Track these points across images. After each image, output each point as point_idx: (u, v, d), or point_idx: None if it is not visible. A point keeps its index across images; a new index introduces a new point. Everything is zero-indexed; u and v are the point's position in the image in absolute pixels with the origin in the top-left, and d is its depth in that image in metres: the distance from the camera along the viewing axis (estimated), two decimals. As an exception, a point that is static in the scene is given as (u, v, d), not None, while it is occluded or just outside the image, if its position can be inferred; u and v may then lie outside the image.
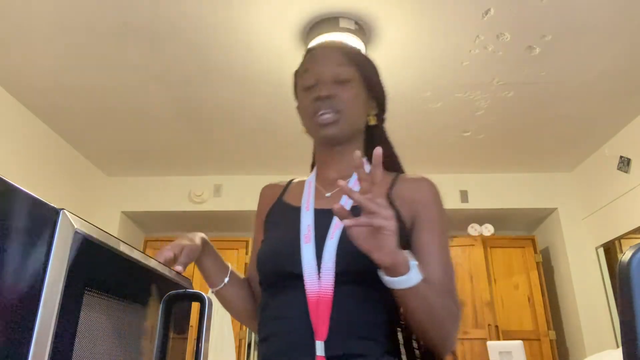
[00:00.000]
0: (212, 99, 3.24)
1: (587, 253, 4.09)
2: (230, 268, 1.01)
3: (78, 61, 2.85)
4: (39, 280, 0.43)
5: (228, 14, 2.47)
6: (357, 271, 0.82)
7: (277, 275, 0.88)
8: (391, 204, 0.90)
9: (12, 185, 0.42)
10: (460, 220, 4.60)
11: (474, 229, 4.40)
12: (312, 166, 1.09)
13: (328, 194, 0.97)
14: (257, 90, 3.11)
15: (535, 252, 4.22)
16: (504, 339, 3.87)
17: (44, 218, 0.45)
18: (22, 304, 0.42)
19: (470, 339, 3.95)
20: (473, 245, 4.24)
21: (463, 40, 2.67)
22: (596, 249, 4.01)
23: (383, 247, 0.70)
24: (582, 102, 3.26)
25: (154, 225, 4.83)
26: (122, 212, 4.45)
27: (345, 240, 0.83)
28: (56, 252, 0.45)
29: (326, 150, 1.01)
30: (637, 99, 3.23)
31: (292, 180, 1.08)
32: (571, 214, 4.26)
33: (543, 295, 4.07)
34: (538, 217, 4.59)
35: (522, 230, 4.94)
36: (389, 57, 2.82)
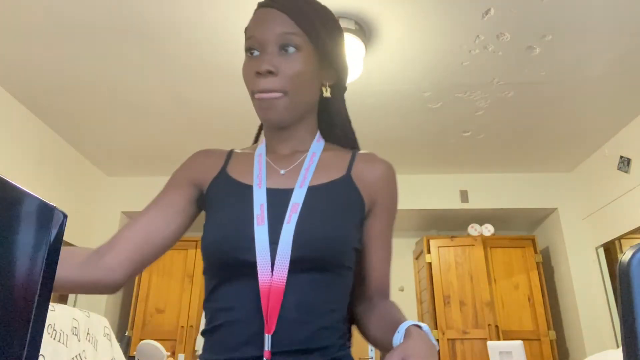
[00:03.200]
0: (212, 98, 3.24)
1: (587, 253, 4.10)
2: None
3: (78, 61, 2.85)
4: (36, 276, 0.43)
5: (229, 14, 2.47)
6: (315, 258, 0.75)
7: (227, 262, 0.77)
8: (352, 183, 0.85)
9: (10, 184, 0.42)
10: (460, 220, 4.60)
11: (474, 229, 4.40)
12: (257, 136, 0.97)
13: (282, 172, 0.85)
14: (257, 90, 3.11)
15: (535, 252, 4.23)
16: (504, 339, 3.87)
17: (42, 216, 0.45)
18: (19, 302, 0.42)
19: (470, 339, 3.95)
20: (473, 245, 4.25)
21: (463, 40, 2.67)
22: (596, 249, 4.01)
23: None
24: (582, 102, 3.26)
25: (154, 225, 4.83)
26: (122, 212, 4.45)
27: (302, 225, 0.76)
28: (53, 249, 0.45)
29: (275, 129, 0.90)
30: (637, 99, 3.23)
31: (233, 150, 0.94)
32: (571, 214, 4.26)
33: (543, 295, 4.07)
34: (538, 217, 4.60)
35: (522, 230, 4.94)
36: (389, 57, 2.82)
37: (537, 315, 4.01)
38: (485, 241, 4.27)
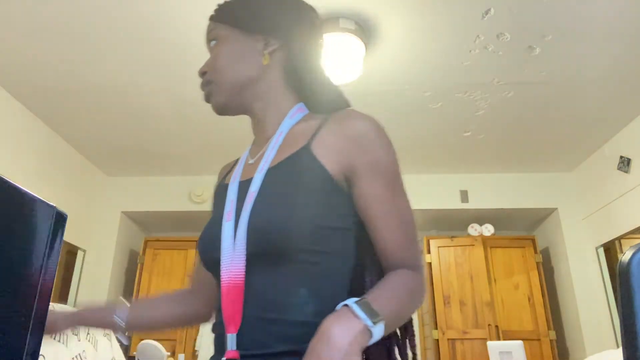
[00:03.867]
0: (212, 99, 3.24)
1: (587, 253, 4.10)
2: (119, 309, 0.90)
3: (78, 62, 2.85)
4: (36, 276, 0.43)
5: (228, 14, 2.47)
6: (269, 247, 0.69)
7: (208, 263, 0.78)
8: (310, 153, 0.75)
9: (11, 184, 0.42)
10: (460, 220, 4.60)
11: (474, 229, 4.40)
12: None
13: (251, 161, 0.83)
14: (257, 90, 3.11)
15: (535, 252, 4.23)
16: (504, 339, 3.87)
17: (42, 216, 0.45)
18: (19, 302, 0.42)
19: (471, 339, 3.95)
20: (473, 245, 4.25)
21: (463, 40, 2.67)
22: (596, 249, 4.01)
23: None
24: (582, 102, 3.26)
25: (154, 225, 4.83)
26: (122, 212, 4.45)
27: (255, 214, 0.70)
28: (53, 249, 0.45)
29: (253, 121, 0.90)
30: (637, 99, 3.23)
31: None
32: (571, 214, 4.26)
33: (543, 295, 4.07)
34: (538, 217, 4.60)
35: (522, 230, 4.94)
36: (389, 57, 2.82)
37: (537, 315, 4.01)
38: (485, 241, 4.27)
